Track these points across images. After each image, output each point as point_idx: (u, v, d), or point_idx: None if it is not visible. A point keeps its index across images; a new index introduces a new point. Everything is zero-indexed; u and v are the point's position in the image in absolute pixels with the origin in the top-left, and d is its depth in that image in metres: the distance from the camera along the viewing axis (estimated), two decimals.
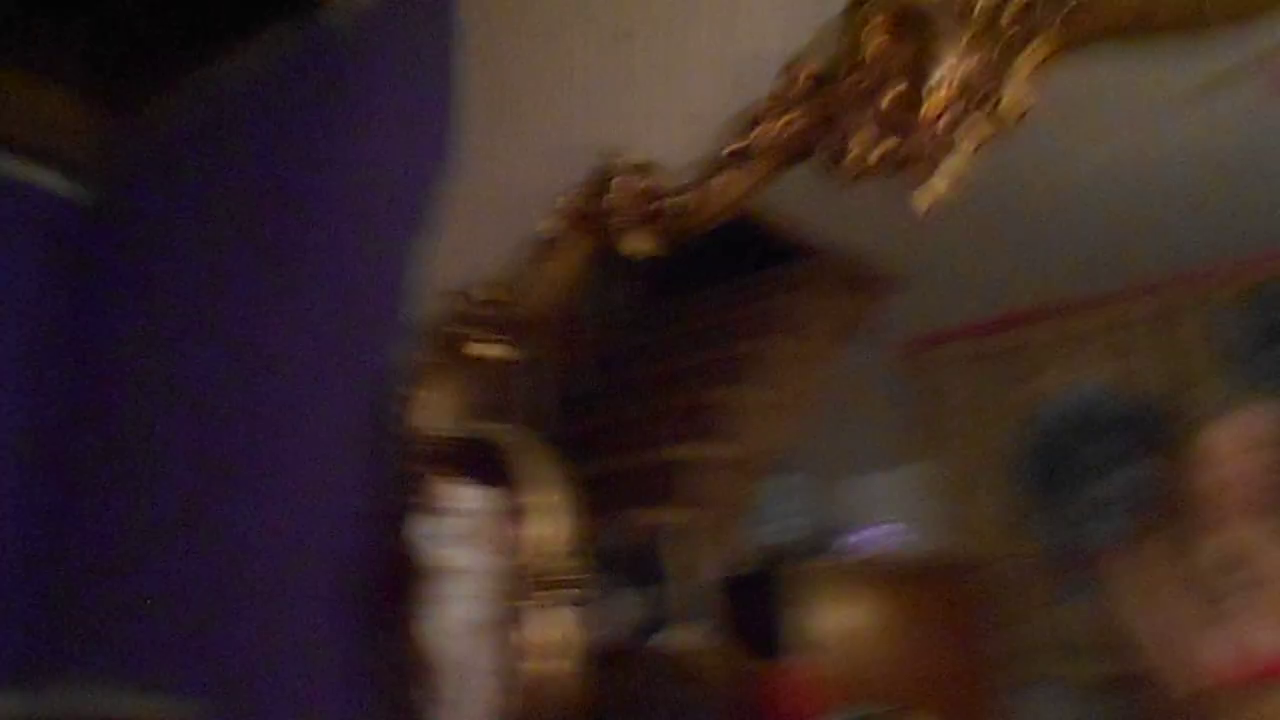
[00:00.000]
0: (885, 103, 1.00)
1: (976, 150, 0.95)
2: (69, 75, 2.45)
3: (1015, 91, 0.93)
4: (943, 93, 0.96)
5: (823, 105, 1.06)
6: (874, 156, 1.01)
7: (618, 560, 1.43)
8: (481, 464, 1.32)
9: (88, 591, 2.05)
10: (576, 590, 1.25)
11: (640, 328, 1.64)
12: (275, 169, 1.94)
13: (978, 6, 0.96)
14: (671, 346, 1.61)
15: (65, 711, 1.97)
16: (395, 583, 1.35)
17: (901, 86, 1.00)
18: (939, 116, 0.96)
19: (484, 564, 1.29)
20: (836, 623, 1.43)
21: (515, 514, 1.27)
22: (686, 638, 1.43)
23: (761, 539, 1.56)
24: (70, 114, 2.48)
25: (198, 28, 2.14)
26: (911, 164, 0.97)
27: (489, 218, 1.47)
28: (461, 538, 1.31)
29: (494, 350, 1.37)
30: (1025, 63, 0.93)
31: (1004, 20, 0.94)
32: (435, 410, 1.40)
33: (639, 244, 1.22)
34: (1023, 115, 0.93)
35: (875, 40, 1.02)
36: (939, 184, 0.95)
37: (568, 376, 1.56)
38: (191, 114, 2.22)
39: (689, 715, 1.39)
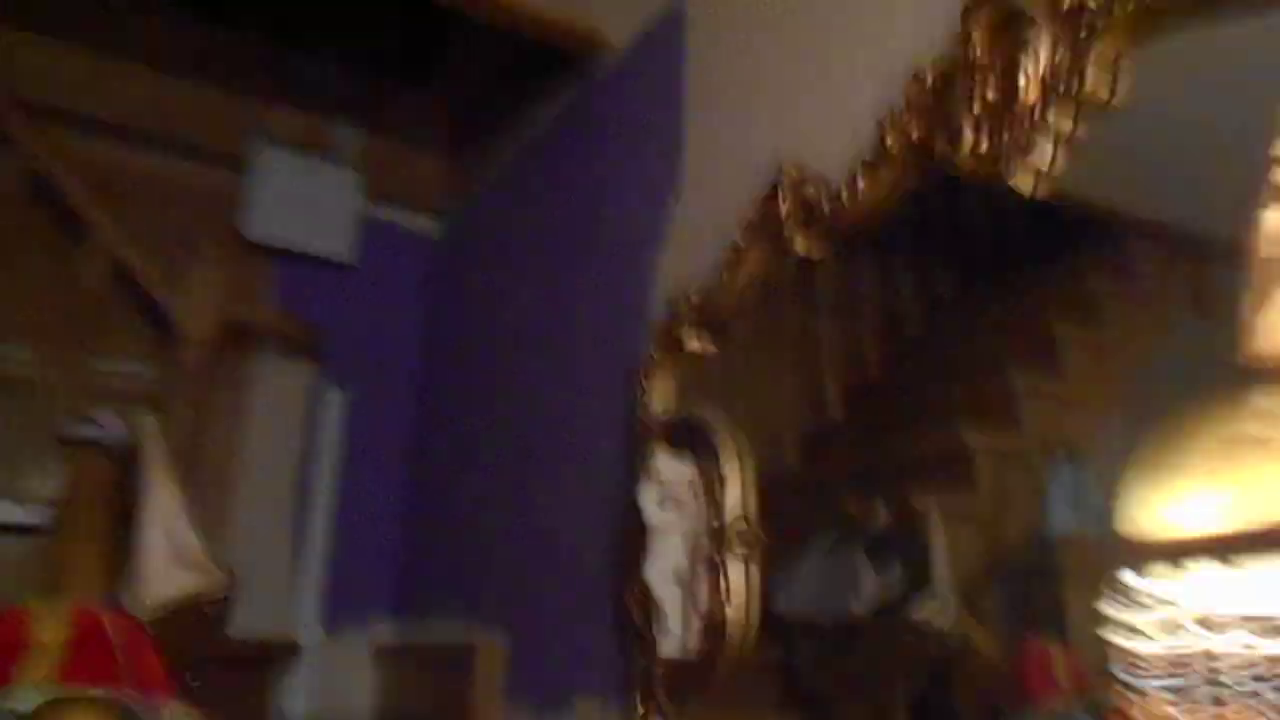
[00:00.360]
0: (989, 96, 1.11)
1: (1070, 137, 1.03)
2: (431, 139, 3.08)
3: (1098, 77, 1.00)
4: (1034, 84, 1.05)
5: (940, 106, 1.18)
6: (983, 148, 1.11)
7: (884, 538, 1.54)
8: (692, 439, 1.57)
9: (440, 549, 2.60)
10: (762, 548, 1.45)
11: (932, 314, 1.62)
12: (556, 201, 2.33)
13: (1065, 2, 1.04)
14: (962, 331, 1.58)
15: (426, 638, 2.52)
16: (632, 538, 1.64)
17: (1001, 81, 1.09)
18: (1034, 106, 1.05)
19: (691, 524, 1.53)
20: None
21: (717, 482, 1.51)
22: (943, 614, 1.47)
23: (1041, 528, 1.55)
24: (431, 169, 3.11)
25: (516, 88, 2.61)
26: (1013, 154, 1.07)
27: (704, 229, 1.72)
28: (674, 501, 1.56)
29: (703, 345, 1.61)
30: (1107, 49, 0.99)
31: (1088, 10, 1.01)
32: (659, 395, 1.67)
33: (805, 247, 1.40)
34: (1110, 100, 1.00)
35: (980, 39, 1.13)
36: (1038, 168, 1.04)
37: (848, 365, 1.61)
38: (503, 157, 2.71)
39: (936, 689, 1.48)
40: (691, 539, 1.54)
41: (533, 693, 1.99)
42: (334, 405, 2.78)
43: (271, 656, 2.47)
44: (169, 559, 1.32)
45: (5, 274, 2.34)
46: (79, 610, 1.22)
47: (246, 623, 2.44)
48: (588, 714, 1.78)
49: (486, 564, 2.26)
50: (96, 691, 1.09)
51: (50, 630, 1.17)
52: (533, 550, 2.10)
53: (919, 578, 1.56)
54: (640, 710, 1.58)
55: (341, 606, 2.69)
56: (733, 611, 1.45)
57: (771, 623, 1.43)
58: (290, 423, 2.68)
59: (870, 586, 1.56)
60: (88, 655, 1.15)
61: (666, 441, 1.61)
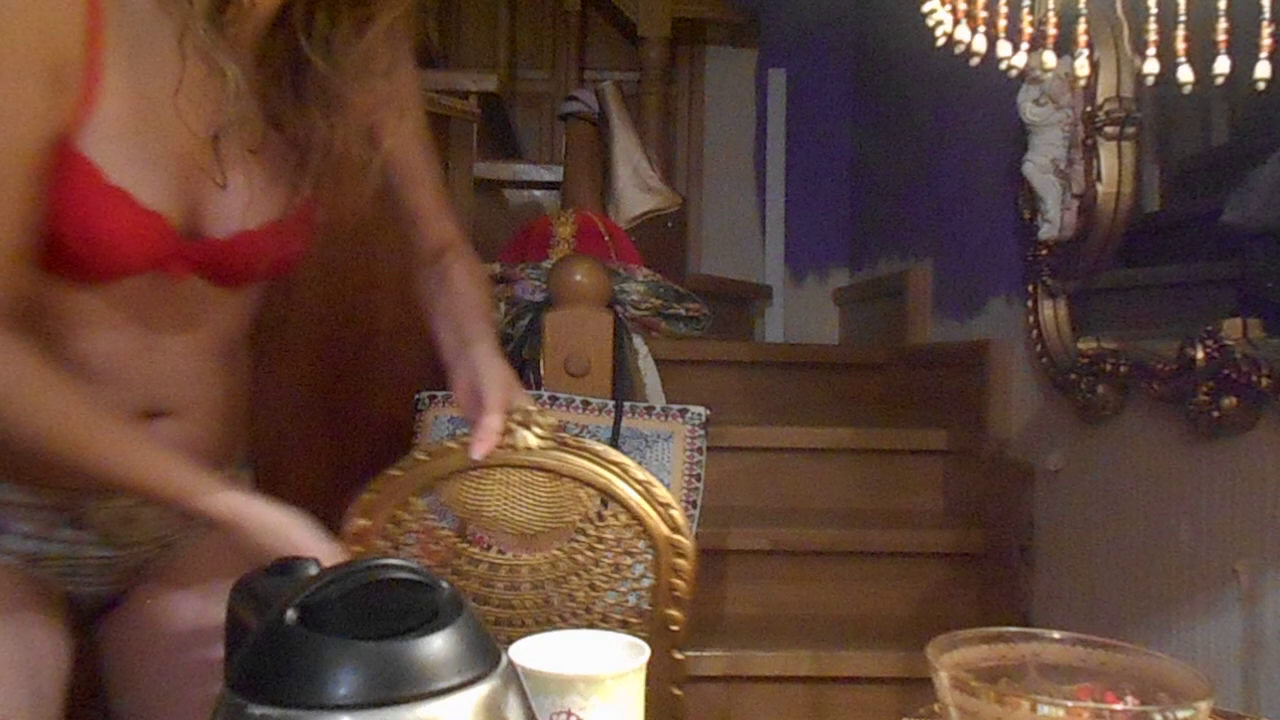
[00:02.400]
0: None
1: None
2: None
3: None
4: None
5: None
6: None
7: None
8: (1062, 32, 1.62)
9: (879, 202, 2.89)
10: (1135, 127, 1.51)
11: None
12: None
13: None
14: None
15: (872, 275, 2.89)
16: (1016, 139, 1.78)
17: None
18: None
19: (1065, 116, 1.63)
20: None
21: (1088, 73, 1.57)
22: None
23: None
24: None
25: None
26: None
27: None
28: (1051, 97, 1.66)
29: None
30: None
31: None
32: None
33: None
34: None
35: None
36: None
37: None
38: None
39: None
40: (1069, 130, 1.64)
41: (954, 303, 2.26)
42: (778, 83, 3.11)
43: (749, 295, 3.03)
44: (634, 185, 1.81)
45: (521, 16, 2.99)
46: (581, 217, 1.77)
47: (727, 270, 3.02)
48: (996, 309, 2.02)
49: (915, 208, 2.51)
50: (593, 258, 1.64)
51: (565, 228, 1.74)
52: (951, 190, 2.30)
53: None
54: (1030, 293, 1.79)
55: (803, 258, 3.15)
56: (1104, 189, 1.56)
57: (1221, 233, 1.48)
58: (741, 102, 3.08)
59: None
60: (587, 242, 1.70)
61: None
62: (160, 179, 0.81)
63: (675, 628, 0.94)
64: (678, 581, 0.94)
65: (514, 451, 0.91)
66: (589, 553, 0.96)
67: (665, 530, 0.94)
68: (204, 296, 0.89)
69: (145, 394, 0.89)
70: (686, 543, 0.94)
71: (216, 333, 0.93)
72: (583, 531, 0.96)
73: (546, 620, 0.97)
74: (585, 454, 0.94)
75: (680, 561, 0.93)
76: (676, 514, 0.94)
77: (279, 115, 0.87)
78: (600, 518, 0.95)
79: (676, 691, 0.96)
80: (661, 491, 0.94)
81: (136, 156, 0.79)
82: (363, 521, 0.96)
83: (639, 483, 0.94)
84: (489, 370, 0.91)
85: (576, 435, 1.02)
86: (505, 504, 0.95)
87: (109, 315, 0.85)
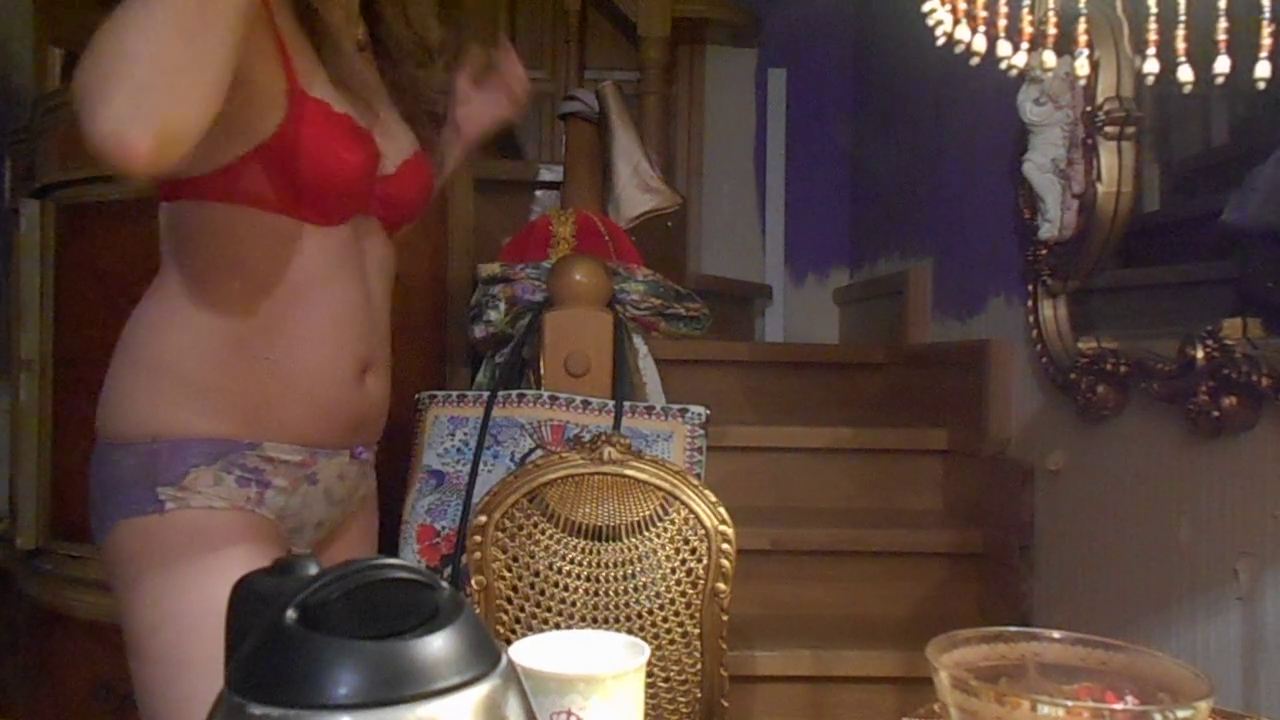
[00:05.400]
0: None
1: None
2: None
3: None
4: None
5: None
6: None
7: None
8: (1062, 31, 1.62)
9: (878, 204, 2.89)
10: (1135, 127, 1.51)
11: None
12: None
13: None
14: None
15: (872, 275, 2.89)
16: (1016, 141, 1.78)
17: None
18: None
19: (1065, 116, 1.63)
20: None
21: (1088, 73, 1.57)
22: None
23: None
24: None
25: None
26: None
27: None
28: (1050, 97, 1.66)
29: None
30: None
31: None
32: None
33: None
34: None
35: None
36: None
37: None
38: None
39: None
40: (1069, 129, 1.64)
41: (954, 303, 2.26)
42: (778, 83, 3.11)
43: (750, 295, 3.03)
44: (634, 185, 1.81)
45: (521, 16, 2.99)
46: (581, 216, 1.77)
47: (727, 270, 3.02)
48: (996, 309, 2.03)
49: (915, 208, 2.51)
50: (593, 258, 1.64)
51: (565, 228, 1.74)
52: (951, 190, 2.30)
53: None
54: (1030, 292, 1.79)
55: (803, 258, 3.15)
56: (1104, 189, 1.56)
57: (1222, 233, 1.48)
58: (741, 101, 3.08)
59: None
60: (587, 242, 1.71)
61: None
62: (344, 98, 0.95)
63: (723, 597, 1.24)
64: (724, 562, 1.24)
65: (600, 463, 1.23)
66: (655, 540, 1.25)
67: (715, 522, 1.24)
68: (383, 243, 1.03)
69: (367, 346, 0.98)
70: (730, 531, 1.23)
71: (388, 280, 1.05)
72: (650, 524, 1.25)
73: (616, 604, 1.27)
74: (652, 464, 1.25)
75: (726, 546, 1.24)
76: (723, 510, 1.23)
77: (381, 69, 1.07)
78: (665, 513, 1.24)
79: (723, 673, 1.28)
80: (710, 493, 1.23)
81: (339, 97, 0.94)
82: (482, 518, 1.23)
83: (694, 486, 1.24)
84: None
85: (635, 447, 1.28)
86: (592, 504, 1.24)
87: (340, 266, 0.95)
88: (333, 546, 1.08)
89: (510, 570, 1.26)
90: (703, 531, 1.24)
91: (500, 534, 1.26)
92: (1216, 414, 1.28)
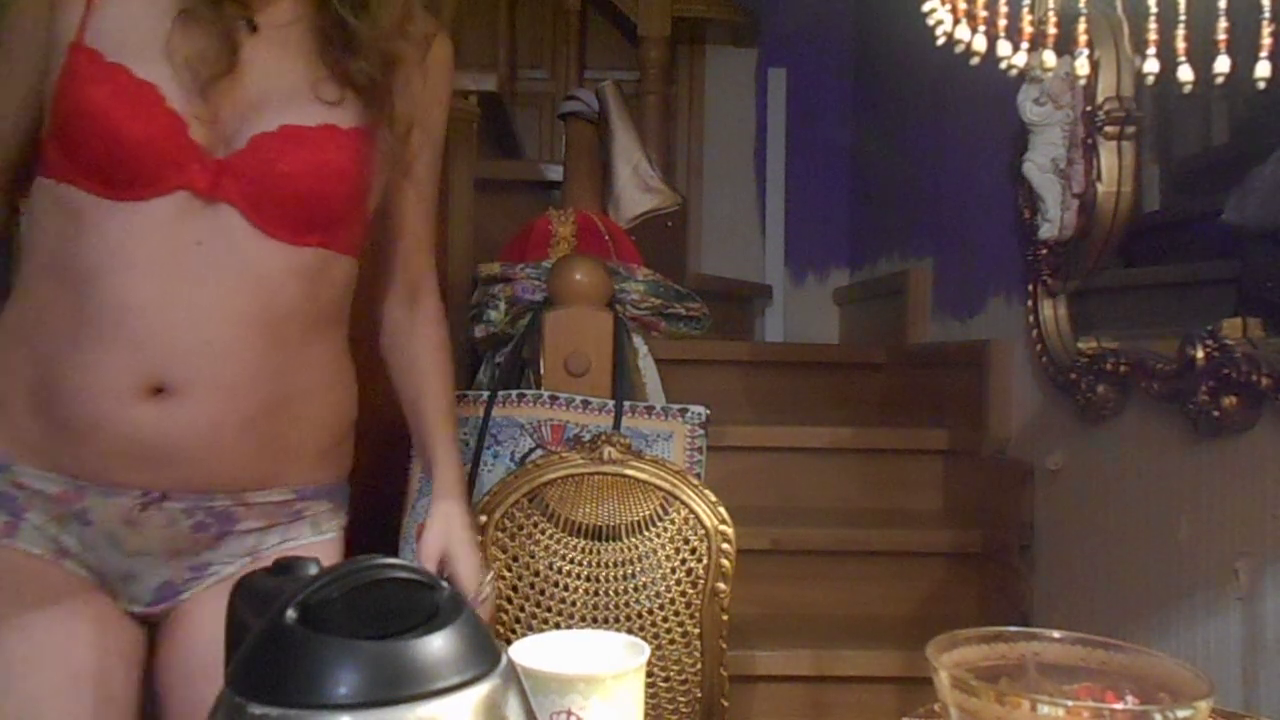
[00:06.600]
0: None
1: None
2: None
3: None
4: None
5: None
6: None
7: None
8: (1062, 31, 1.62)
9: (879, 204, 2.89)
10: (1135, 127, 1.51)
11: None
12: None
13: None
14: None
15: (872, 275, 2.89)
16: (1015, 140, 1.78)
17: None
18: None
19: (1065, 116, 1.63)
20: None
21: (1088, 73, 1.57)
22: None
23: None
24: None
25: None
26: None
27: None
28: (1051, 96, 1.66)
29: None
30: None
31: None
32: None
33: None
34: None
35: None
36: None
37: None
38: None
39: None
40: (1069, 129, 1.64)
41: (954, 303, 2.26)
42: (778, 83, 3.11)
43: (750, 294, 3.03)
44: (634, 185, 1.81)
45: (521, 16, 2.99)
46: (581, 216, 1.77)
47: (727, 270, 3.02)
48: (996, 308, 2.02)
49: (915, 208, 2.51)
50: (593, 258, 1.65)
51: (565, 228, 1.74)
52: (951, 189, 2.30)
53: None
54: (1030, 292, 1.79)
55: (803, 258, 3.15)
56: (1104, 188, 1.56)
57: (1222, 233, 1.49)
58: (741, 101, 3.08)
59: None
60: (587, 241, 1.71)
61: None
62: (160, 64, 0.79)
63: (723, 597, 1.24)
64: (724, 562, 1.23)
65: (600, 463, 1.21)
66: (655, 540, 1.24)
67: (714, 522, 1.23)
68: (241, 238, 0.80)
69: (166, 359, 0.78)
70: (730, 530, 1.22)
71: (256, 293, 0.81)
72: (650, 524, 1.24)
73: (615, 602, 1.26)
74: (652, 464, 1.23)
75: (726, 546, 1.23)
76: (723, 510, 1.23)
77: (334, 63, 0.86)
78: (665, 512, 1.23)
79: (723, 672, 1.29)
80: (710, 493, 1.22)
81: (129, 42, 0.80)
82: (482, 517, 1.22)
83: (694, 486, 1.23)
84: (461, 553, 1.01)
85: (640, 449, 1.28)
86: (593, 504, 1.24)
87: (144, 255, 0.78)
88: (179, 629, 0.90)
89: (510, 570, 1.26)
90: (703, 531, 1.24)
91: (500, 534, 1.26)
92: (1216, 414, 1.28)
